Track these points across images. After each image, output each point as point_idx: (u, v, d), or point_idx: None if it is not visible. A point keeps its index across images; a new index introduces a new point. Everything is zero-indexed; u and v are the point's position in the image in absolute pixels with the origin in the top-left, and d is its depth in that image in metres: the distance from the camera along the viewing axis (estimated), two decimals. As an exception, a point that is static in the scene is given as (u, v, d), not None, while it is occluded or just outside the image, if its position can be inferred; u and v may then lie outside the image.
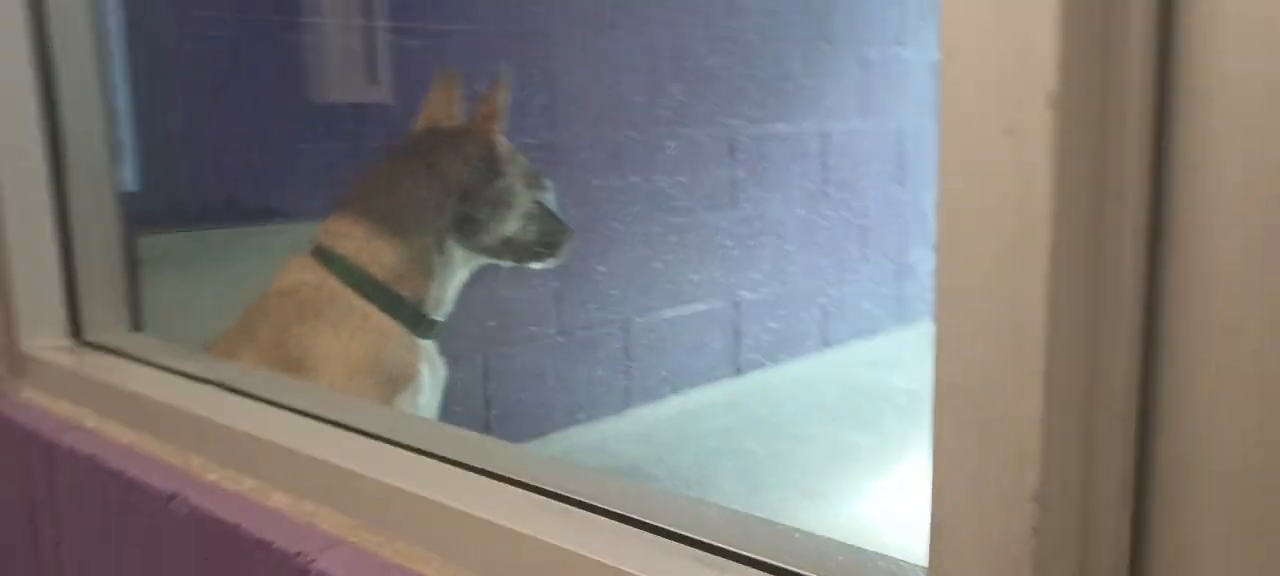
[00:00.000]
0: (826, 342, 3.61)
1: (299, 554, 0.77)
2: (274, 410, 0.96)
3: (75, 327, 1.26)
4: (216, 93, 2.06)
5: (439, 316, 1.47)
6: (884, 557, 0.56)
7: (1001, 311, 0.40)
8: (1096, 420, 0.42)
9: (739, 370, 3.27)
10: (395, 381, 1.37)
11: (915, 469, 2.49)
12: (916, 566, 0.54)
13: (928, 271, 3.31)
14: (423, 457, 0.81)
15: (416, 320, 1.42)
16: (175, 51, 2.02)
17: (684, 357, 3.08)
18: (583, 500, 0.69)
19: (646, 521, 0.65)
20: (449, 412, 1.62)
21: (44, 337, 1.23)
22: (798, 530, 0.61)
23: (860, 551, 0.57)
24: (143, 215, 1.82)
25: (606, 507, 0.67)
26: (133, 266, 1.33)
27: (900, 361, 3.62)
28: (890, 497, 2.34)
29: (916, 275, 3.99)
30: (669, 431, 2.83)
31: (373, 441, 0.86)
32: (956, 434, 0.42)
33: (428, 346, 1.45)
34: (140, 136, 1.91)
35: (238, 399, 1.01)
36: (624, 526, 0.65)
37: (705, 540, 0.61)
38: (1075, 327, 0.41)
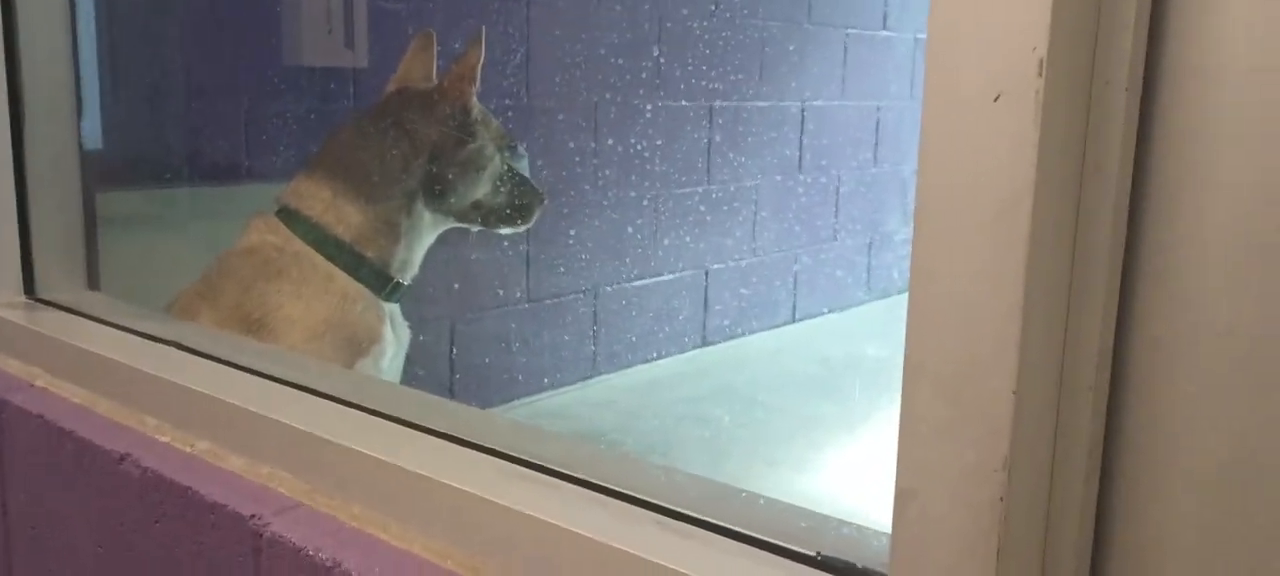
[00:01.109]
0: (796, 315, 3.62)
1: (253, 516, 0.76)
2: (229, 370, 0.94)
3: (29, 284, 1.23)
4: (186, 50, 2.01)
5: (404, 279, 1.44)
6: (847, 524, 0.56)
7: (979, 280, 0.39)
8: (1068, 393, 0.41)
9: (707, 340, 3.27)
10: (358, 344, 1.35)
11: (881, 441, 2.51)
12: (880, 532, 0.53)
13: (899, 247, 3.35)
14: (382, 420, 0.79)
15: (381, 283, 1.40)
16: (145, 6, 1.97)
17: (652, 326, 3.07)
18: (544, 464, 0.68)
19: (607, 486, 0.64)
20: (413, 377, 1.60)
21: (-5, 293, 1.20)
22: (761, 496, 0.60)
23: (823, 518, 0.57)
24: (104, 172, 1.78)
25: (568, 472, 0.66)
26: (92, 224, 1.29)
27: (869, 335, 3.64)
28: (855, 469, 2.35)
29: (887, 250, 4.00)
30: (635, 399, 2.82)
31: (331, 403, 0.84)
32: (927, 400, 0.41)
33: (392, 309, 1.43)
34: (105, 92, 1.86)
35: (192, 359, 0.98)
36: (584, 490, 0.64)
37: (666, 505, 0.60)
38: (1052, 300, 0.40)
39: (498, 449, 0.71)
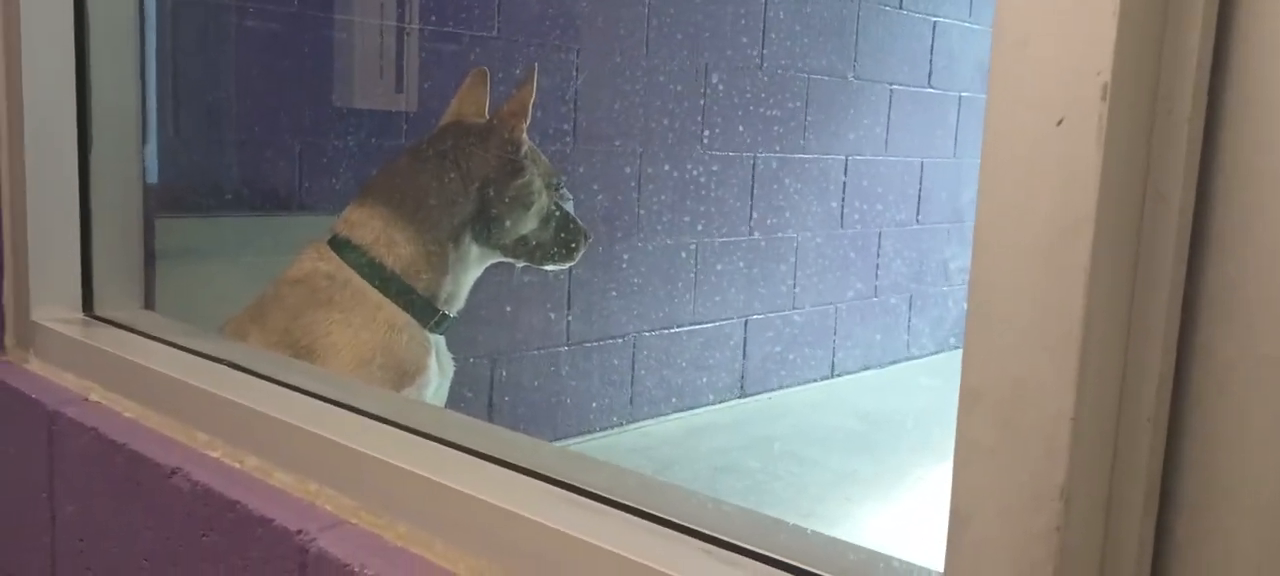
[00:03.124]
0: (835, 370, 3.60)
1: (300, 532, 0.76)
2: (279, 389, 0.96)
3: (87, 302, 1.26)
4: (244, 88, 2.06)
5: (451, 312, 1.46)
6: (895, 559, 0.55)
7: (1038, 306, 0.39)
8: (1126, 422, 0.41)
9: (745, 391, 3.26)
10: (403, 374, 1.36)
11: (918, 499, 2.48)
12: (932, 571, 0.53)
13: (940, 303, 3.33)
14: (429, 441, 0.80)
15: (428, 314, 1.41)
16: (205, 44, 2.04)
17: (690, 375, 3.07)
18: (591, 490, 0.68)
19: (656, 514, 0.64)
20: (455, 409, 1.61)
21: (55, 309, 1.23)
22: (809, 529, 0.59)
23: (872, 553, 0.56)
24: (160, 199, 1.82)
25: (615, 498, 0.66)
26: (151, 247, 1.33)
27: (909, 392, 3.61)
28: (891, 526, 2.32)
29: (929, 309, 3.97)
30: (670, 448, 2.81)
31: (379, 423, 0.85)
32: (983, 425, 0.41)
33: (438, 341, 1.45)
34: (165, 125, 1.91)
35: (243, 377, 1.00)
36: (631, 517, 0.64)
37: (714, 534, 0.60)
38: (1111, 327, 0.40)
39: (544, 473, 0.71)
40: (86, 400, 1.09)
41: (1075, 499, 0.40)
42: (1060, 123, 0.37)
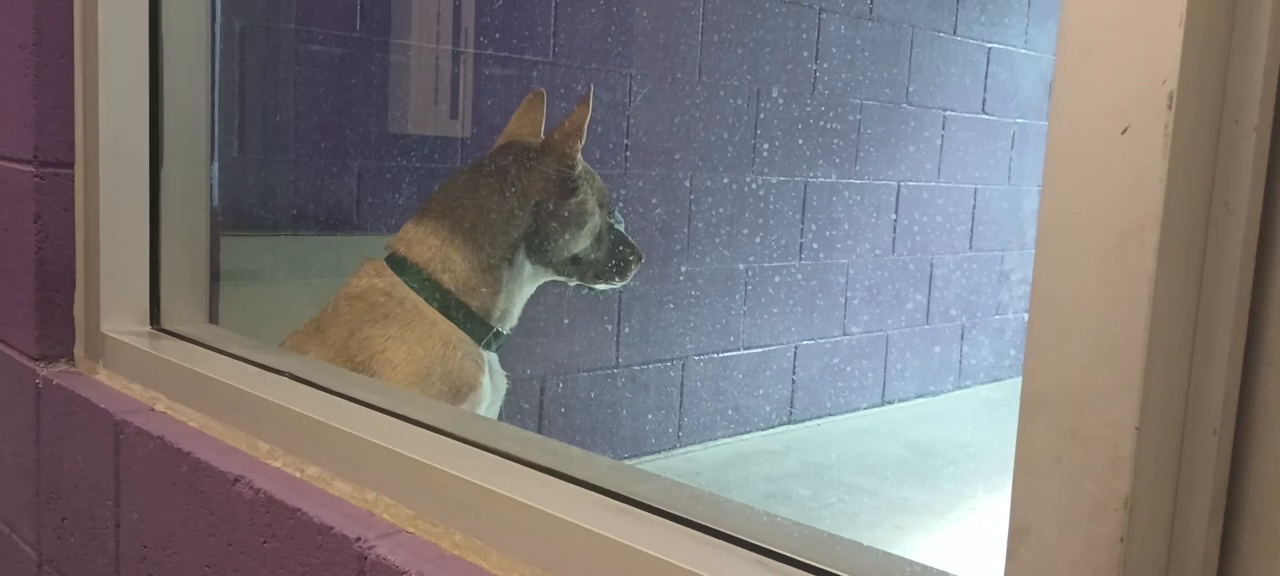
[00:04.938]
0: (885, 398, 3.56)
1: (358, 539, 0.78)
2: (339, 400, 0.98)
3: (155, 315, 1.30)
4: (302, 111, 2.12)
5: (504, 329, 1.48)
6: (951, 574, 0.55)
7: (1101, 315, 0.39)
8: (1191, 433, 0.41)
9: (794, 417, 3.24)
10: (457, 390, 1.38)
11: (970, 530, 2.44)
12: (988, 586, 0.53)
13: (993, 335, 3.27)
14: (485, 453, 0.81)
15: (482, 331, 1.43)
16: (266, 68, 2.09)
17: (738, 400, 3.06)
18: (644, 502, 0.69)
19: (710, 526, 0.64)
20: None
21: (123, 321, 1.27)
22: (863, 544, 0.59)
23: (927, 568, 0.56)
24: (222, 218, 1.87)
25: (670, 510, 0.67)
26: (216, 263, 1.36)
27: (959, 423, 3.56)
28: (940, 554, 2.28)
29: (981, 338, 3.92)
30: (718, 473, 2.80)
31: (436, 434, 0.86)
32: (1045, 433, 0.41)
33: (490, 358, 1.46)
34: (226, 144, 1.97)
35: (304, 388, 1.02)
36: (686, 528, 0.64)
37: (769, 547, 0.60)
38: (1176, 336, 0.40)
39: (599, 484, 0.72)
40: (152, 410, 1.12)
41: (1139, 509, 0.39)
42: (1125, 131, 0.37)
